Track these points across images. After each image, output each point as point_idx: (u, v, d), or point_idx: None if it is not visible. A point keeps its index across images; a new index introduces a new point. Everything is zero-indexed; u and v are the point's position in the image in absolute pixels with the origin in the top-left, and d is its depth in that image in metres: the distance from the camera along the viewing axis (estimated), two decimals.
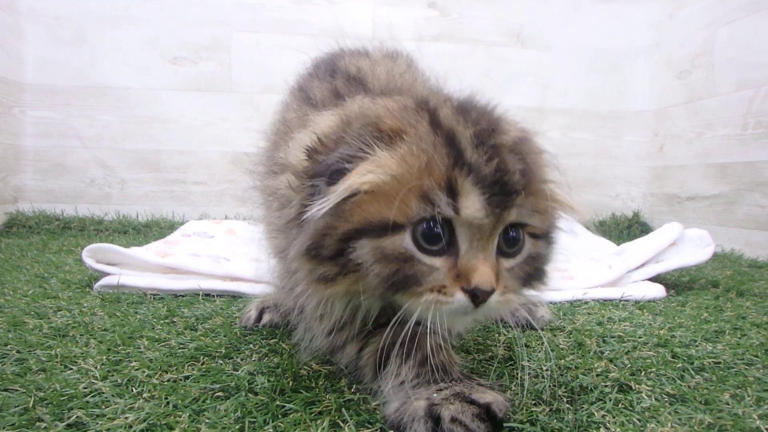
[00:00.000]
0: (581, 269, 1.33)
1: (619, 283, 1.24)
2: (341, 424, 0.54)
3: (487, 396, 0.54)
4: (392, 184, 0.50)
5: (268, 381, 0.64)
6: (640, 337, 0.87)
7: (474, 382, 0.57)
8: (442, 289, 0.52)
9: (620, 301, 1.14)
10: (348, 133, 0.53)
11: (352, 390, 0.62)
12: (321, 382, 0.65)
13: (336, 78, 0.77)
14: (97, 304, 1.01)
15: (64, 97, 2.35)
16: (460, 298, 0.52)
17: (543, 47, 2.53)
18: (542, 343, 0.83)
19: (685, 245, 1.31)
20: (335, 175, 0.52)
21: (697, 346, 0.83)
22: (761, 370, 0.72)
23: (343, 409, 0.57)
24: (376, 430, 0.54)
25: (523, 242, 0.57)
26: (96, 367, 0.68)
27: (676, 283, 1.35)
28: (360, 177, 0.50)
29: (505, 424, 0.53)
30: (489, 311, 0.55)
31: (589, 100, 2.55)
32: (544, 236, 0.59)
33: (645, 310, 1.07)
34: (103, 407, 0.56)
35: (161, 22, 2.37)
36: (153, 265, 1.24)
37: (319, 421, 0.54)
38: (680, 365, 0.74)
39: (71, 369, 0.67)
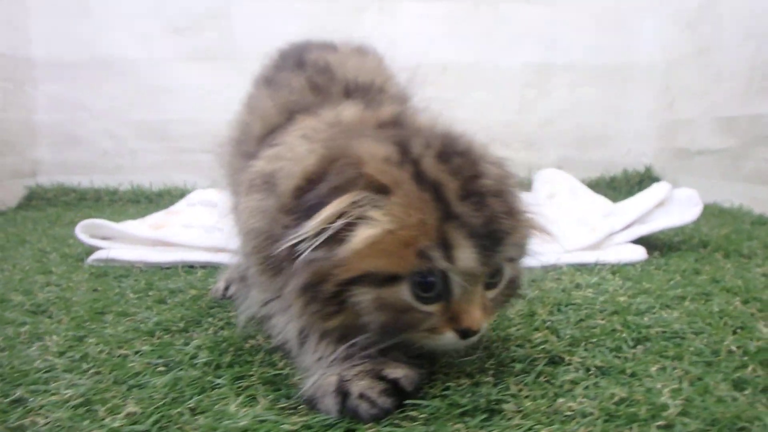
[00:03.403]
0: (565, 232, 1.31)
1: (601, 246, 1.22)
2: (258, 399, 0.58)
3: (398, 371, 0.56)
4: (387, 237, 0.52)
5: (210, 355, 0.68)
6: (597, 305, 0.87)
7: (390, 357, 0.59)
8: (435, 329, 0.56)
9: (596, 265, 1.13)
10: (335, 182, 0.54)
11: (281, 365, 0.65)
12: (259, 357, 0.68)
13: (305, 69, 0.78)
14: (84, 278, 1.08)
15: (72, 71, 2.41)
16: (450, 336, 0.56)
17: (548, 2, 2.41)
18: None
19: (673, 205, 1.27)
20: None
21: (653, 313, 0.83)
22: (705, 340, 0.71)
23: (268, 384, 0.61)
24: (291, 404, 0.57)
25: (504, 271, 0.60)
26: (58, 344, 0.73)
27: (667, 243, 1.32)
28: (362, 233, 0.52)
29: (413, 399, 0.56)
30: (474, 342, 0.59)
31: (596, 55, 2.43)
32: (522, 255, 0.62)
33: (617, 275, 1.06)
34: (51, 383, 0.61)
35: None
36: (143, 238, 1.29)
37: (240, 396, 0.58)
38: (625, 335, 0.73)
39: (35, 346, 0.72)
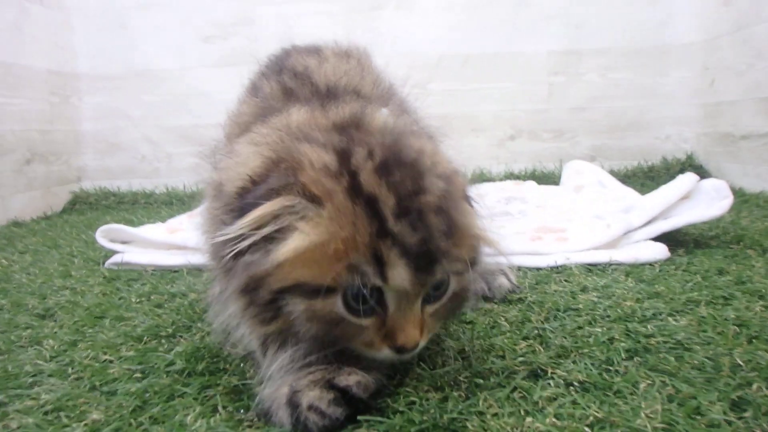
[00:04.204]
0: (579, 229, 1.24)
1: (617, 244, 1.15)
2: (219, 410, 0.57)
3: (351, 378, 0.55)
4: (317, 249, 0.51)
5: (186, 362, 0.69)
6: (599, 311, 0.81)
7: (347, 363, 0.57)
8: (371, 344, 0.56)
9: (609, 265, 1.06)
10: (273, 184, 0.53)
11: (250, 374, 0.65)
12: (232, 365, 0.68)
13: (282, 75, 0.77)
14: (97, 282, 1.12)
15: (113, 82, 2.58)
16: (386, 352, 0.56)
17: None
18: (487, 319, 0.81)
19: (699, 198, 1.17)
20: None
21: (659, 320, 0.76)
22: (711, 351, 0.65)
23: (232, 394, 0.61)
24: (250, 416, 0.56)
25: (447, 284, 0.58)
26: (53, 348, 0.76)
27: (695, 239, 1.22)
28: (291, 242, 0.51)
29: (376, 405, 0.54)
30: (413, 357, 0.59)
31: (628, 36, 2.28)
32: (468, 269, 0.59)
33: (631, 277, 0.98)
34: (34, 387, 0.64)
35: (191, 3, 2.50)
36: (158, 242, 1.33)
37: (202, 406, 0.58)
38: (620, 345, 0.68)
39: (31, 350, 0.76)
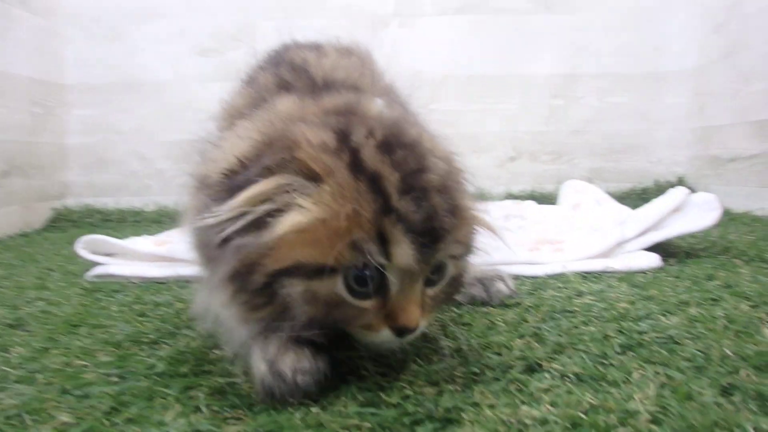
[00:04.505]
0: (576, 240, 1.24)
1: (611, 253, 1.15)
2: (202, 409, 0.54)
3: (287, 360, 0.55)
4: (318, 226, 0.49)
5: (168, 366, 0.66)
6: (594, 312, 0.80)
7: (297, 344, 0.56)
8: (370, 326, 0.54)
9: (603, 273, 1.06)
10: (266, 163, 0.52)
11: (236, 374, 0.62)
12: (218, 366, 0.65)
13: (279, 67, 0.77)
14: (76, 293, 1.08)
15: (103, 95, 2.50)
16: (386, 333, 0.54)
17: (570, 10, 2.36)
18: (484, 321, 0.79)
19: (690, 211, 1.18)
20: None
21: (651, 319, 0.76)
22: (700, 345, 0.64)
23: (217, 394, 0.58)
24: (234, 414, 0.53)
25: (446, 267, 0.57)
26: (22, 355, 0.71)
27: (686, 251, 1.22)
28: (289, 219, 0.50)
29: (369, 408, 0.52)
30: (412, 340, 0.57)
31: (624, 62, 2.35)
32: (467, 252, 0.59)
33: (624, 283, 0.98)
34: None
35: (188, 14, 2.47)
36: (145, 254, 1.30)
37: (184, 406, 0.55)
38: (615, 341, 0.67)
39: None
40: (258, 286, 0.51)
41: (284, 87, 0.72)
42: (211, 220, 0.50)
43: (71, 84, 2.47)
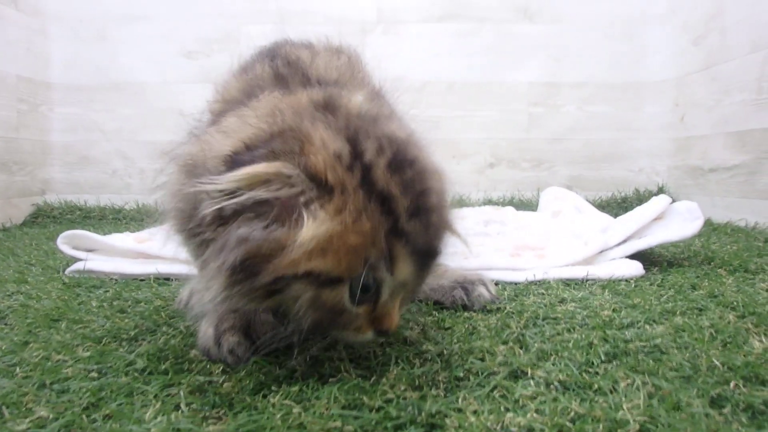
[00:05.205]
0: (557, 247, 1.24)
1: (594, 261, 1.15)
2: (181, 407, 0.53)
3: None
4: (336, 240, 0.51)
5: (148, 363, 0.65)
6: (578, 319, 0.80)
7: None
8: (359, 329, 0.59)
9: (586, 280, 1.06)
10: (274, 146, 0.52)
11: (217, 373, 0.61)
12: (199, 365, 0.64)
13: (275, 60, 0.77)
14: (55, 288, 1.06)
15: (88, 94, 2.51)
16: (370, 335, 0.60)
17: (552, 20, 2.39)
18: (466, 325, 0.79)
19: (672, 219, 1.19)
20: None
21: (636, 327, 0.76)
22: (688, 354, 0.64)
23: (197, 392, 0.57)
24: (215, 412, 0.52)
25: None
26: (0, 348, 0.70)
27: (668, 260, 1.24)
28: (308, 229, 0.50)
29: (352, 411, 0.51)
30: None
31: (605, 71, 2.39)
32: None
33: (607, 290, 0.99)
34: None
35: (175, 17, 2.48)
36: (125, 250, 1.28)
37: (163, 403, 0.54)
38: (600, 349, 0.67)
39: None
40: (263, 283, 0.51)
41: (280, 79, 0.72)
42: (205, 187, 0.50)
43: (57, 83, 2.47)
